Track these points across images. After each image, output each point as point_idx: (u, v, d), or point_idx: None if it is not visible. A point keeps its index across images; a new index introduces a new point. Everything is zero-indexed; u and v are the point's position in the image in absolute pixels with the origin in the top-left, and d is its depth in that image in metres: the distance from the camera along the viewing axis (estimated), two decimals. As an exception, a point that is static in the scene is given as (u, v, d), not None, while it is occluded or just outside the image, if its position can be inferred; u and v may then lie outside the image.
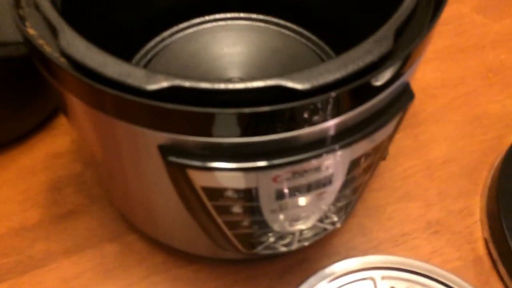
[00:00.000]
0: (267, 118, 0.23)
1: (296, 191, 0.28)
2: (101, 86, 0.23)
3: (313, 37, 0.46)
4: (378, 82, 0.25)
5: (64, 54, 0.24)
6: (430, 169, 0.49)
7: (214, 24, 0.47)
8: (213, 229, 0.31)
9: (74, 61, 0.24)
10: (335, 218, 0.34)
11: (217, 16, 0.47)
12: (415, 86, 0.54)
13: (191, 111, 0.22)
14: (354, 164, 0.28)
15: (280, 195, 0.28)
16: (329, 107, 0.24)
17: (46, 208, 0.44)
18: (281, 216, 0.30)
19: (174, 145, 0.25)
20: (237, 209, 0.29)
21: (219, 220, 0.30)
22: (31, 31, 0.26)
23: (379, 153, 0.31)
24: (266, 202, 0.28)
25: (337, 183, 0.29)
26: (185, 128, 0.24)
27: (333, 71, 0.23)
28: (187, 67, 0.43)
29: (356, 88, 0.24)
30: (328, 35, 0.46)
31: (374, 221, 0.45)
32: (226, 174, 0.25)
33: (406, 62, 0.26)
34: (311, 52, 0.45)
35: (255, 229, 0.31)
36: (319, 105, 0.23)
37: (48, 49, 0.26)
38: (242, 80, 0.23)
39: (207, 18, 0.47)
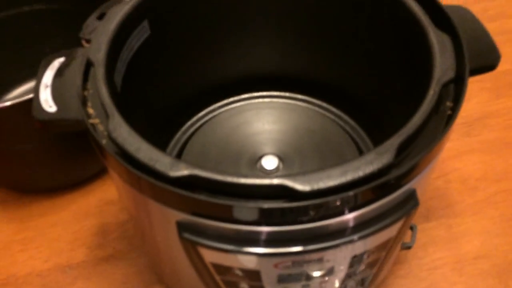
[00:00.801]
0: (267, 212, 0.26)
1: (296, 277, 0.30)
2: (132, 168, 0.27)
3: (351, 122, 0.49)
4: (377, 191, 0.27)
5: (109, 136, 0.29)
6: (460, 263, 0.48)
7: (260, 100, 0.52)
8: (222, 299, 0.34)
9: (116, 144, 0.28)
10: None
11: (264, 93, 0.52)
12: (455, 175, 0.54)
13: (201, 199, 0.26)
14: (356, 260, 0.30)
15: (281, 279, 0.30)
16: (327, 209, 0.26)
17: (91, 250, 0.50)
18: (285, 298, 0.32)
19: (190, 223, 0.28)
20: (243, 285, 0.31)
21: (227, 292, 0.32)
22: (90, 111, 0.32)
23: (386, 250, 0.32)
24: (268, 284, 0.30)
25: (339, 274, 0.31)
26: (197, 211, 0.27)
27: (333, 177, 0.26)
28: (229, 139, 0.48)
29: (353, 196, 0.26)
30: (365, 121, 0.48)
31: (395, 309, 0.46)
32: (232, 255, 0.28)
33: (409, 174, 0.28)
34: (346, 135, 0.48)
35: (261, 305, 0.33)
36: (316, 207, 0.26)
37: (101, 127, 0.31)
38: (252, 176, 0.26)
39: (254, 94, 0.52)
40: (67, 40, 0.47)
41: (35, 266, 0.48)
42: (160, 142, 0.48)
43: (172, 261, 0.36)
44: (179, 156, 0.48)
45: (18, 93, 0.61)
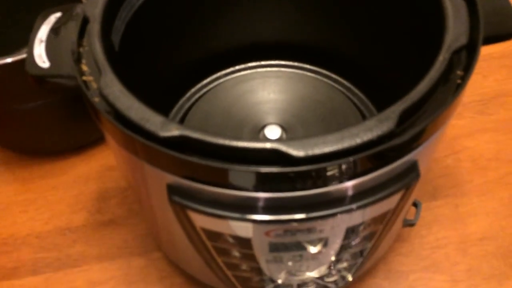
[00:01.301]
0: (259, 177, 0.25)
1: (289, 247, 0.29)
2: (123, 127, 0.26)
3: (360, 94, 0.47)
4: (376, 160, 0.26)
5: (101, 93, 0.28)
6: (464, 243, 0.47)
7: (268, 69, 0.50)
8: (214, 267, 0.33)
9: (107, 101, 0.27)
10: (338, 278, 0.35)
11: (272, 62, 0.50)
12: (466, 154, 0.53)
13: (190, 161, 0.25)
14: (351, 231, 0.29)
15: (273, 248, 0.29)
16: (322, 177, 0.25)
17: (91, 214, 0.49)
18: (277, 267, 0.31)
19: (180, 186, 0.27)
20: (234, 253, 0.31)
21: (219, 260, 0.32)
22: (84, 68, 0.31)
23: (384, 223, 0.31)
24: (260, 252, 0.30)
25: (333, 246, 0.30)
26: (187, 174, 0.26)
27: (329, 143, 0.25)
28: (233, 107, 0.46)
29: (349, 163, 0.25)
30: (375, 94, 0.47)
31: (394, 286, 0.45)
32: (222, 221, 0.27)
33: (411, 143, 0.26)
34: (354, 107, 0.46)
35: (253, 274, 0.32)
36: (310, 173, 0.25)
37: (95, 85, 0.30)
38: (246, 139, 0.25)
39: (262, 63, 0.50)
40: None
41: (34, 228, 0.48)
42: (162, 107, 0.47)
43: (166, 228, 0.36)
44: (181, 123, 0.47)
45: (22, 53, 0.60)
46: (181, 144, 0.26)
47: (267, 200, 0.26)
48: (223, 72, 0.50)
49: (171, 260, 0.45)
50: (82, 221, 0.49)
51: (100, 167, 0.53)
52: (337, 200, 0.27)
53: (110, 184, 0.51)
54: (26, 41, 0.59)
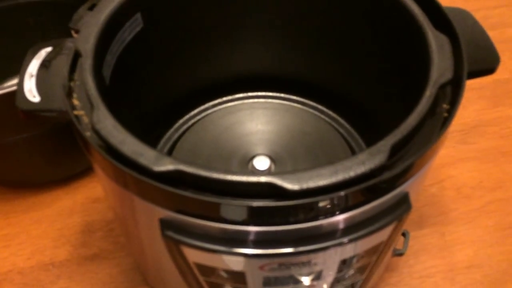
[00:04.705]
0: (254, 211, 0.25)
1: (283, 281, 0.29)
2: (115, 162, 0.26)
3: (346, 125, 0.48)
4: (369, 193, 0.26)
5: (93, 128, 0.28)
6: (452, 272, 0.47)
7: (255, 100, 0.51)
8: (206, 302, 0.32)
9: (99, 136, 0.27)
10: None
11: (259, 93, 0.51)
12: (450, 183, 0.54)
13: (185, 196, 0.25)
14: (345, 264, 0.29)
15: (267, 282, 0.29)
16: (316, 210, 0.25)
17: (75, 248, 0.48)
18: (270, 302, 0.31)
19: (173, 221, 0.27)
20: (227, 287, 0.30)
21: (211, 294, 0.31)
22: (75, 102, 0.31)
23: (376, 255, 0.31)
24: (254, 286, 0.29)
25: (327, 279, 0.30)
26: (181, 208, 0.26)
27: (324, 176, 0.25)
28: (221, 138, 0.47)
29: (344, 196, 0.25)
30: (361, 125, 0.47)
31: (384, 317, 0.44)
32: (216, 255, 0.27)
33: (402, 176, 0.27)
34: (341, 138, 0.47)
35: (246, 309, 0.32)
36: (305, 207, 0.25)
37: (86, 120, 0.30)
38: (240, 173, 0.25)
39: (249, 94, 0.51)
40: (62, 33, 0.46)
41: (16, 263, 0.47)
42: (151, 139, 0.47)
43: (156, 262, 0.35)
44: (169, 154, 0.47)
45: (8, 86, 0.60)
46: (174, 178, 0.26)
47: (261, 233, 0.26)
48: (211, 103, 0.51)
49: (159, 294, 0.44)
50: (66, 255, 0.48)
51: (85, 199, 0.52)
52: (332, 233, 0.27)
53: (95, 217, 0.50)
54: (12, 71, 0.59)
